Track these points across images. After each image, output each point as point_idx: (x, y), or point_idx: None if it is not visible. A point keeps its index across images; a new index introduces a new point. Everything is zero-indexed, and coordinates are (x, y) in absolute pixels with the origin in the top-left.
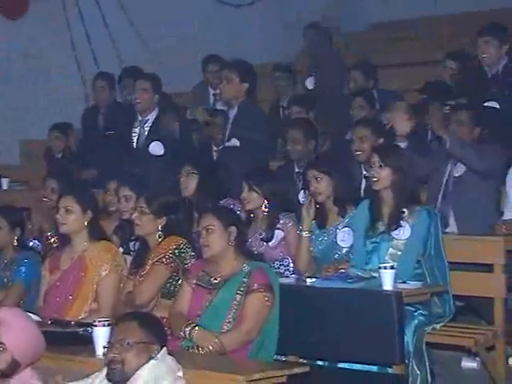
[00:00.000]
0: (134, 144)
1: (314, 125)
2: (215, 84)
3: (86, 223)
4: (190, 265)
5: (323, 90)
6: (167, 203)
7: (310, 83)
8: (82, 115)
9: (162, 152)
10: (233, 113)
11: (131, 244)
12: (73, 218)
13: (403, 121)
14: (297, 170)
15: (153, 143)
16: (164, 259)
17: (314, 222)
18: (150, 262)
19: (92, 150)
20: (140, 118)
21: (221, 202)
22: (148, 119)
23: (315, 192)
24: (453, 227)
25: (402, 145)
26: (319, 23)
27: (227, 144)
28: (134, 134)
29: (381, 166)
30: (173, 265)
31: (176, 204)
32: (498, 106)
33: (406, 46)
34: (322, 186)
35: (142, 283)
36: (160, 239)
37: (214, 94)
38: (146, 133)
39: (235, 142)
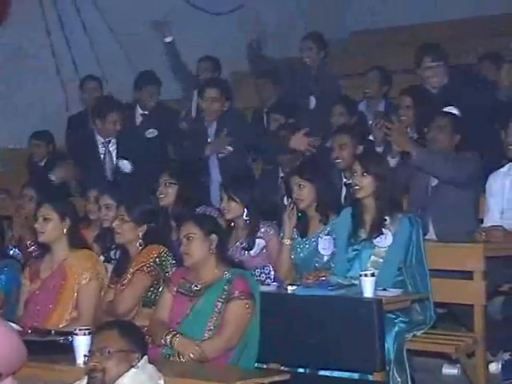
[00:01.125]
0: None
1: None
2: None
3: (64, 231)
4: (170, 272)
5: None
6: (148, 211)
7: (311, 103)
8: (70, 119)
9: (129, 169)
10: (213, 126)
11: (112, 252)
12: (51, 226)
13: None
14: (281, 174)
15: (121, 162)
16: (145, 267)
17: (295, 229)
18: (131, 270)
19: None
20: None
21: (197, 209)
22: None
23: (298, 199)
24: (432, 235)
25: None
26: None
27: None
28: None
29: (363, 173)
30: (154, 273)
31: (156, 212)
32: (457, 113)
33: (389, 53)
34: (305, 193)
35: (122, 292)
36: (140, 247)
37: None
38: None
39: (230, 149)
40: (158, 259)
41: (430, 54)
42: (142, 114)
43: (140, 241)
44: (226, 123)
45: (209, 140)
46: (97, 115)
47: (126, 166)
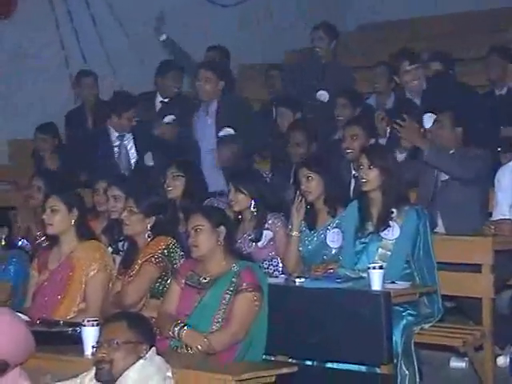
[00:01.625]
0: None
1: (313, 127)
2: None
3: (72, 222)
4: (178, 264)
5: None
6: (156, 203)
7: (322, 96)
8: (68, 115)
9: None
10: (213, 106)
11: (120, 244)
12: (58, 217)
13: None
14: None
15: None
16: (153, 259)
17: (303, 222)
18: (139, 261)
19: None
20: None
21: (204, 202)
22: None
23: (306, 191)
24: (440, 229)
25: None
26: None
27: (221, 134)
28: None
29: (369, 167)
30: (162, 265)
31: (164, 204)
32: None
33: (394, 48)
34: (313, 185)
35: (130, 283)
36: (149, 239)
37: None
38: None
39: (229, 130)
40: (166, 251)
41: (407, 58)
42: (161, 102)
43: (148, 232)
44: (229, 105)
45: (208, 121)
46: (113, 110)
47: (149, 158)
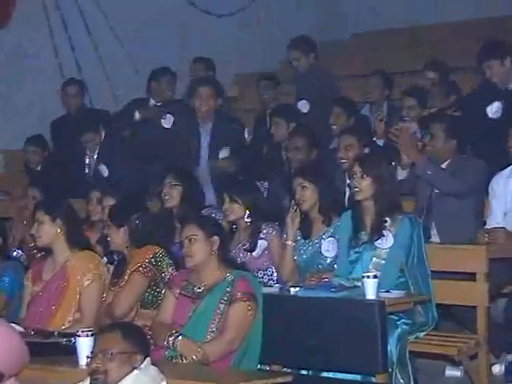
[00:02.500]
0: None
1: (315, 134)
2: None
3: (58, 231)
4: (172, 274)
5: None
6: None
7: (303, 107)
8: (52, 124)
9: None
10: (208, 126)
11: (115, 254)
12: (44, 229)
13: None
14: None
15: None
16: (141, 268)
17: (298, 231)
18: (128, 272)
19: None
20: None
21: (202, 211)
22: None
23: (300, 200)
24: (435, 238)
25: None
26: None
27: (221, 156)
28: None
29: (362, 176)
30: (150, 274)
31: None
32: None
33: (389, 56)
34: (307, 194)
35: (119, 294)
36: (127, 248)
37: None
38: None
39: (226, 152)
40: (153, 259)
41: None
42: (154, 105)
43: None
44: (224, 128)
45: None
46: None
47: (104, 170)
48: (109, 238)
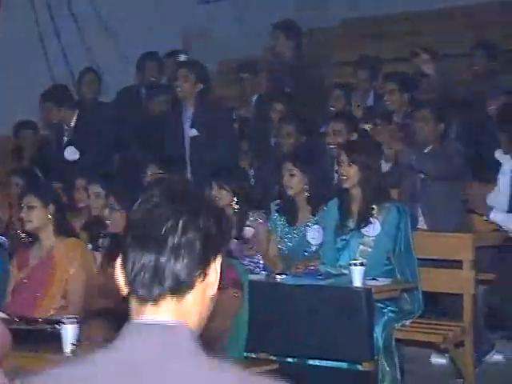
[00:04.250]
0: None
1: (306, 120)
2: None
3: (49, 217)
4: None
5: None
6: (137, 198)
7: None
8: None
9: (76, 157)
10: (189, 111)
11: (100, 241)
12: (35, 214)
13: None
14: None
15: (67, 148)
16: None
17: (283, 219)
18: None
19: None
20: None
21: None
22: None
23: (287, 185)
24: (422, 226)
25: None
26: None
27: (190, 135)
28: None
29: (349, 163)
30: None
31: None
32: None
33: (377, 43)
34: (295, 181)
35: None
36: None
37: None
38: None
39: (194, 132)
40: None
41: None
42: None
43: None
44: (205, 114)
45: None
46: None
47: (72, 153)
48: (109, 221)
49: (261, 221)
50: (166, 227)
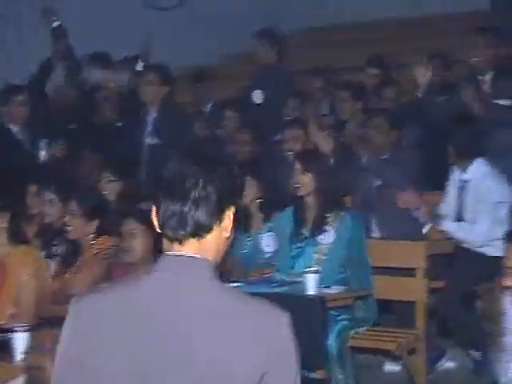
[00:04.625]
0: None
1: (261, 128)
2: None
3: (4, 225)
4: (117, 266)
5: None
6: (98, 205)
7: (257, 97)
8: None
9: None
10: (152, 115)
11: (54, 248)
12: None
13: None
14: None
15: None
16: (101, 254)
17: (238, 226)
18: (86, 257)
19: None
20: None
21: (140, 205)
22: None
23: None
24: (376, 234)
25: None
26: None
27: (149, 142)
28: None
29: (303, 172)
30: (106, 262)
31: (106, 205)
32: None
33: (330, 52)
34: (248, 189)
35: (76, 274)
36: (93, 242)
37: None
38: None
39: (153, 139)
40: (110, 250)
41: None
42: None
43: (92, 235)
44: (168, 118)
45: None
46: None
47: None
48: (71, 228)
49: None
50: (189, 184)
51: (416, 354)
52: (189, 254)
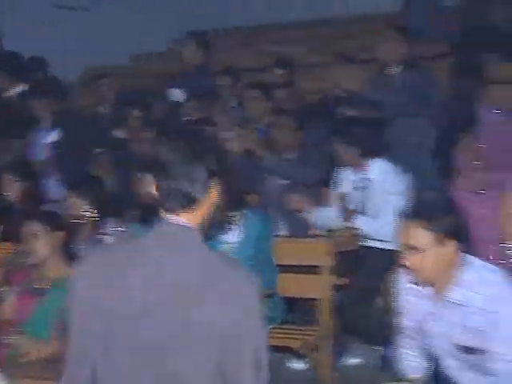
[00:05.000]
0: None
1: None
2: None
3: None
4: (15, 271)
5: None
6: (2, 209)
7: (178, 96)
8: None
9: None
10: (48, 124)
11: None
12: None
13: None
14: None
15: None
16: None
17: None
18: None
19: None
20: None
21: (43, 206)
22: None
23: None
24: (282, 232)
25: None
26: None
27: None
28: None
29: None
30: (4, 269)
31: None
32: None
33: (239, 53)
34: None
35: None
36: None
37: None
38: None
39: (52, 137)
40: (9, 257)
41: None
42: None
43: None
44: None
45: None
46: None
47: None
48: None
49: (119, 229)
50: (179, 162)
51: (320, 351)
52: (182, 222)
